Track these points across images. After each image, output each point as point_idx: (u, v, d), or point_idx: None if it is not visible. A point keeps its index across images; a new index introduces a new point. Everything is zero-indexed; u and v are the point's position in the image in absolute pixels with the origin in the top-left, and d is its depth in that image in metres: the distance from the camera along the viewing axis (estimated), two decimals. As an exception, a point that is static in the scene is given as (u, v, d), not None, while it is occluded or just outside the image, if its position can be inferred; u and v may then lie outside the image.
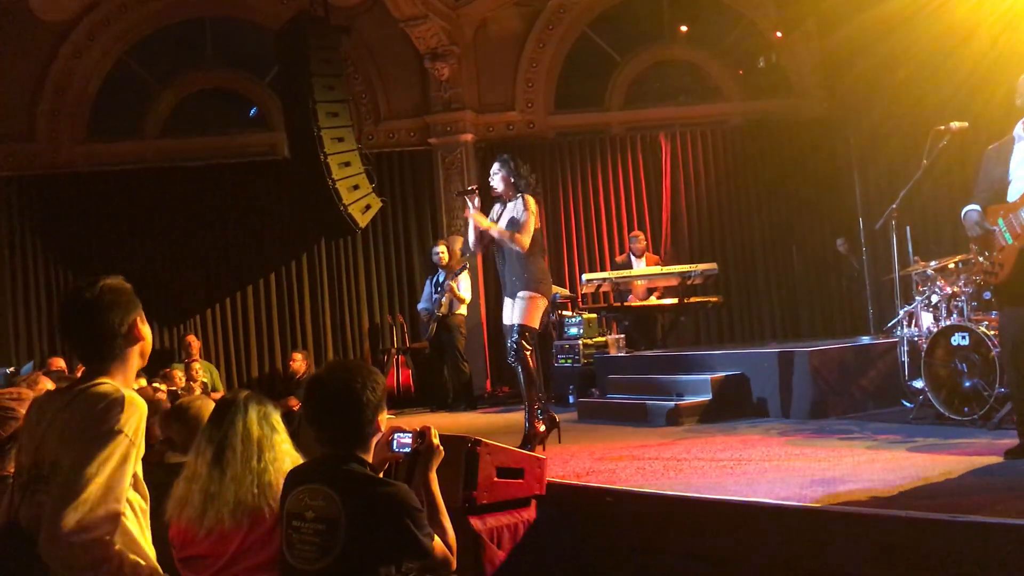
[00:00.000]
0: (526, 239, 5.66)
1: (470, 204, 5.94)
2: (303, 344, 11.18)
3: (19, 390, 3.31)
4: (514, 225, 5.72)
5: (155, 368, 9.32)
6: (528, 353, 5.67)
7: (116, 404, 2.28)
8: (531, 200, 5.75)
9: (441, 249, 9.68)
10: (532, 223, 5.67)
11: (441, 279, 9.59)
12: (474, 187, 6.13)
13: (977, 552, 3.01)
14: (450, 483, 3.69)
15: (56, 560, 2.20)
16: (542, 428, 5.71)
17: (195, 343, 10.64)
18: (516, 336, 5.66)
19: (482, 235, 5.91)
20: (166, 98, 11.81)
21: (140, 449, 2.34)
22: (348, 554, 2.47)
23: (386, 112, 11.61)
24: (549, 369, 9.92)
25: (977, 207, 4.48)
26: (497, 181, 5.87)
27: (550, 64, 11.74)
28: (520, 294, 5.70)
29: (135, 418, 2.30)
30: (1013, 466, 4.16)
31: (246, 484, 2.74)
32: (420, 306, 10.01)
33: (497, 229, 5.77)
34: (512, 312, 5.76)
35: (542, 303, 5.76)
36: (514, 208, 5.79)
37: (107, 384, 2.35)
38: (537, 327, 5.78)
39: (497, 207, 5.96)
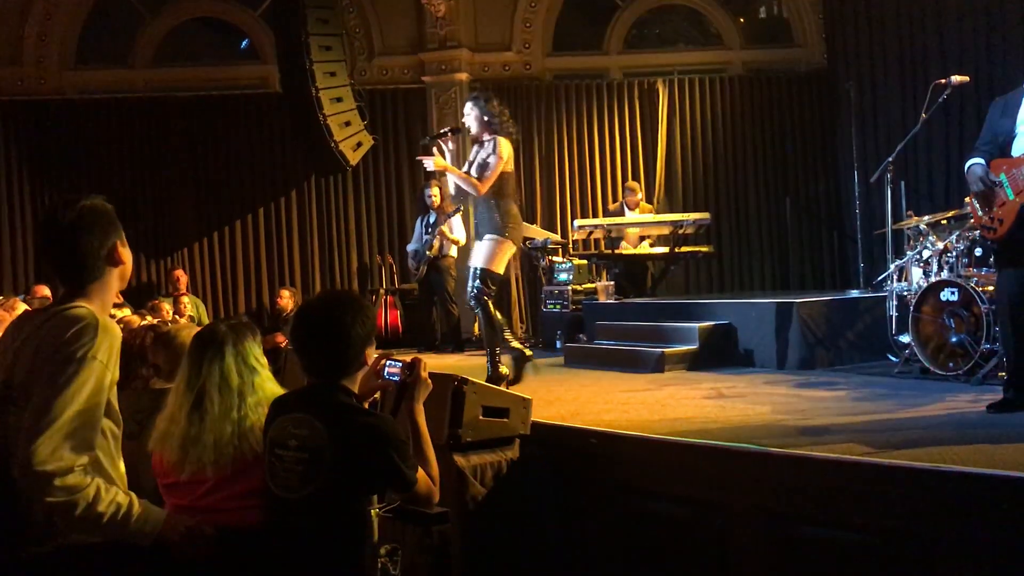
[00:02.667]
0: (486, 184, 5.54)
1: (444, 147, 5.75)
2: (291, 281, 11.15)
3: (-5, 313, 3.28)
4: (481, 168, 5.60)
5: (142, 300, 9.30)
6: (488, 297, 5.59)
7: (89, 329, 2.24)
8: (503, 143, 5.57)
9: (434, 191, 9.51)
10: (499, 167, 5.52)
11: (432, 220, 9.50)
12: (447, 130, 5.89)
13: (957, 501, 3.04)
14: (436, 420, 3.69)
15: (31, 489, 2.18)
16: (504, 371, 5.69)
17: (183, 277, 10.59)
18: (477, 280, 5.55)
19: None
20: (157, 26, 11.59)
21: (114, 375, 2.31)
22: (330, 483, 2.47)
23: (380, 48, 11.43)
24: (538, 314, 9.95)
25: (982, 161, 4.41)
26: (471, 120, 5.71)
27: (549, 4, 11.54)
28: (487, 236, 5.60)
29: (109, 344, 2.26)
30: (995, 419, 4.18)
31: (227, 435, 2.71)
32: (410, 247, 9.94)
33: (456, 172, 5.62)
34: (475, 253, 5.66)
35: (509, 248, 5.63)
36: (485, 150, 5.64)
37: (82, 308, 2.30)
38: (501, 272, 5.64)
39: (475, 148, 5.80)
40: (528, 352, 5.93)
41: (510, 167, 5.64)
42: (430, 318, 9.80)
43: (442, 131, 5.92)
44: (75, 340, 2.22)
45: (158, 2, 11.60)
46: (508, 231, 5.59)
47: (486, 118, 5.64)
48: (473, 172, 5.65)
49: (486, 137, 5.66)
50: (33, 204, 10.90)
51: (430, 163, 5.63)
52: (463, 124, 5.83)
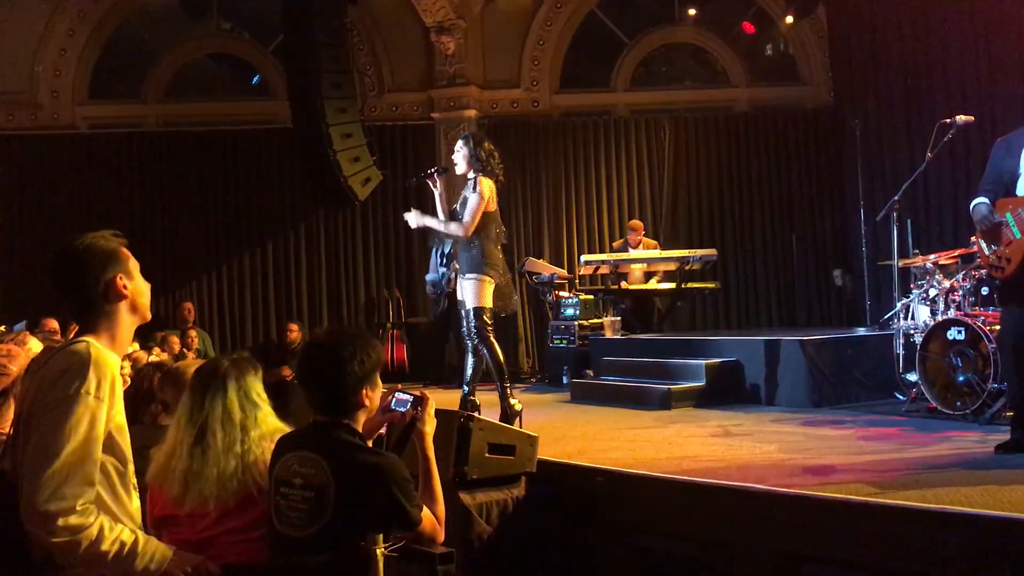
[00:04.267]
0: (472, 225, 5.64)
1: (432, 187, 5.92)
2: (298, 315, 11.17)
3: (8, 347, 3.28)
4: (462, 207, 5.71)
5: (150, 333, 9.32)
6: (490, 332, 5.67)
7: (81, 365, 2.25)
8: (485, 182, 5.67)
9: None
10: (480, 206, 5.62)
11: (448, 251, 9.47)
12: (433, 169, 6.02)
13: (964, 542, 3.02)
14: (441, 457, 3.67)
15: (36, 530, 2.19)
16: (518, 407, 5.69)
17: (192, 310, 10.63)
18: (475, 320, 5.64)
19: (452, 214, 5.88)
20: (169, 61, 11.75)
21: (114, 408, 2.31)
22: (335, 522, 2.47)
23: (390, 85, 11.55)
24: (544, 349, 9.94)
25: (986, 200, 4.44)
26: (459, 158, 5.83)
27: (557, 43, 11.67)
28: (467, 276, 5.70)
29: (101, 378, 2.26)
30: (1003, 460, 4.16)
31: (231, 469, 2.70)
32: (428, 276, 9.90)
33: (436, 224, 5.82)
34: (464, 294, 5.76)
35: (489, 284, 5.71)
36: (468, 188, 5.75)
37: (82, 343, 2.31)
38: (490, 305, 5.72)
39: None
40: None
41: (492, 207, 5.73)
42: (440, 352, 9.78)
43: (429, 171, 6.05)
44: (67, 377, 2.24)
45: (171, 38, 11.76)
46: (486, 269, 5.68)
47: (473, 157, 5.74)
48: (459, 208, 5.77)
49: (470, 175, 5.77)
50: (44, 237, 10.97)
51: (413, 221, 5.87)
52: (452, 162, 5.93)
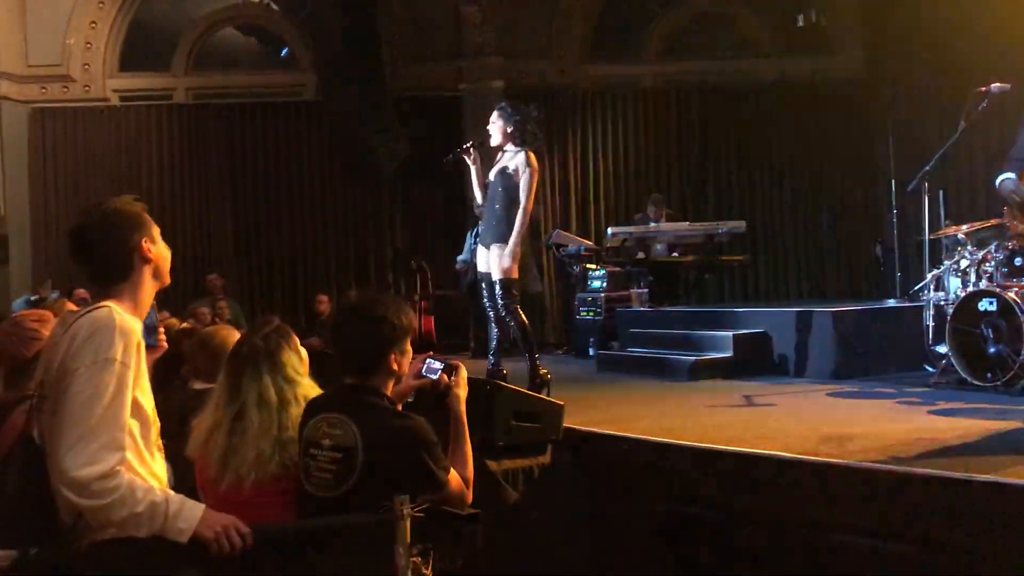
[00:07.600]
0: (530, 203, 5.55)
1: (468, 161, 5.82)
2: (326, 287, 11.24)
3: (41, 312, 3.33)
4: (504, 177, 5.61)
5: (180, 304, 9.42)
6: (517, 304, 5.63)
7: (107, 331, 2.27)
8: (532, 157, 5.59)
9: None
10: (535, 184, 5.55)
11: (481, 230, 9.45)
12: (468, 144, 5.91)
13: (991, 511, 3.01)
14: (468, 424, 3.71)
15: (69, 494, 2.21)
16: (548, 376, 5.68)
17: (218, 281, 10.70)
18: (501, 291, 5.58)
19: (487, 187, 5.82)
20: (198, 34, 11.78)
21: (138, 373, 2.33)
22: (363, 483, 2.51)
23: (418, 55, 11.49)
24: (571, 321, 9.94)
25: (1012, 175, 4.38)
26: (494, 130, 5.74)
27: (586, 12, 11.57)
28: (495, 245, 5.63)
29: (127, 343, 2.28)
30: (1033, 431, 4.13)
31: (267, 453, 2.71)
32: (459, 258, 9.92)
33: (515, 237, 5.56)
34: (491, 264, 5.69)
35: (516, 256, 5.65)
36: (511, 160, 5.65)
37: (104, 308, 2.33)
38: (518, 277, 5.68)
39: (500, 155, 5.81)
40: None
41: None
42: (466, 323, 9.81)
43: (464, 146, 5.93)
44: (94, 343, 2.25)
45: (200, 9, 11.79)
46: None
47: (509, 129, 5.65)
48: (493, 178, 5.69)
49: (509, 147, 5.68)
50: (77, 209, 11.07)
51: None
52: (487, 133, 5.86)
